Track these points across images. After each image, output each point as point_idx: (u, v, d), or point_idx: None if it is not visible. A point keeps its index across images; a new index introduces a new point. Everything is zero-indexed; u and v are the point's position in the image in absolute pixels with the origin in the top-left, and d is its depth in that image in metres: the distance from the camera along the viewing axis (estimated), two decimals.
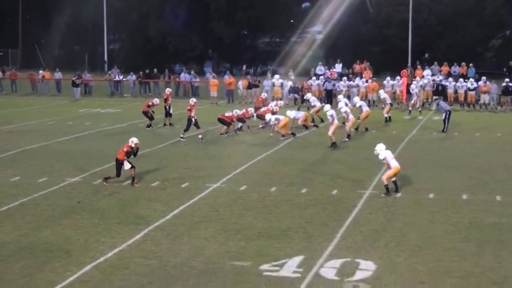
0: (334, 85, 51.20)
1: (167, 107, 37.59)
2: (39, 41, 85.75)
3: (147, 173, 25.30)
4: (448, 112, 36.25)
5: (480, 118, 43.29)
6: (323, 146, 31.30)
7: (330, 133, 30.96)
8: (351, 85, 50.59)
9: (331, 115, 31.54)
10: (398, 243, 17.15)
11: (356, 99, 37.71)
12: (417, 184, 23.74)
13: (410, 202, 21.35)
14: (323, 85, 51.14)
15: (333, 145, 30.70)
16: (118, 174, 23.45)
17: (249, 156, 28.73)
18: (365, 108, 36.17)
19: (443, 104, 37.85)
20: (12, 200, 21.21)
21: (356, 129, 35.40)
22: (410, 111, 44.02)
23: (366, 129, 36.02)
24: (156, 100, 37.61)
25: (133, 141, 23.74)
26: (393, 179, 22.36)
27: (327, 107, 32.89)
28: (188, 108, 33.25)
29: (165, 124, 37.55)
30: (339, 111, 34.72)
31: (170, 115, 37.68)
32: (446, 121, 36.06)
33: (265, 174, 25.30)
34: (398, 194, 22.16)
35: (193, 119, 32.71)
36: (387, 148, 22.64)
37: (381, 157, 22.41)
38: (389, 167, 22.30)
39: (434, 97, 46.64)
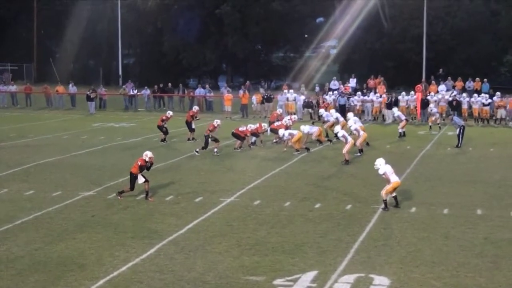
0: (348, 99, 51.21)
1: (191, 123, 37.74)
2: (54, 56, 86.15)
3: (161, 187, 25.35)
4: (462, 127, 36.18)
5: (494, 133, 43.14)
6: (337, 161, 31.27)
7: (344, 151, 30.87)
8: (365, 100, 50.59)
9: (343, 136, 31.37)
10: (413, 258, 17.11)
11: (351, 122, 35.36)
12: (432, 199, 23.67)
13: (425, 217, 21.29)
14: (337, 100, 51.15)
15: (346, 162, 30.59)
16: (132, 188, 23.51)
17: (263, 171, 28.74)
18: (361, 133, 34.72)
19: (456, 119, 37.77)
20: (26, 214, 21.28)
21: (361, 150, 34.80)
22: (430, 126, 43.56)
23: (367, 144, 35.75)
24: (169, 113, 37.75)
25: (147, 155, 23.80)
26: (393, 194, 22.33)
27: (351, 122, 32.54)
28: (210, 128, 33.63)
29: (188, 139, 37.45)
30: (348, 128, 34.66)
31: (193, 130, 37.72)
32: (460, 136, 35.98)
33: (279, 189, 25.31)
34: (413, 209, 22.11)
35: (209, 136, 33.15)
36: (387, 163, 22.68)
37: (380, 171, 22.41)
38: (388, 182, 22.26)
39: (449, 113, 46.44)
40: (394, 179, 22.25)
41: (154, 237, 18.83)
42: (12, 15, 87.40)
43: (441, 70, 60.40)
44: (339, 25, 74.98)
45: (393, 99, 49.35)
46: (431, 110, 44.46)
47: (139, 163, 23.62)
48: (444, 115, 48.81)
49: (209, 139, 33.23)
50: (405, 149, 35.33)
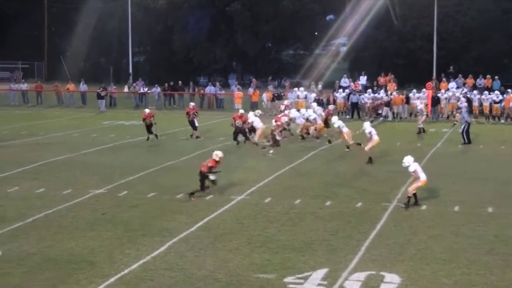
0: (359, 96, 51.22)
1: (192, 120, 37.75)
2: (65, 54, 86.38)
3: (171, 185, 25.35)
4: (467, 124, 36.10)
5: (505, 130, 43.02)
6: (348, 159, 31.24)
7: (367, 148, 30.59)
8: (376, 98, 50.51)
9: (370, 132, 30.88)
10: (423, 256, 17.07)
11: (335, 119, 35.20)
12: (442, 196, 23.62)
13: (435, 215, 21.24)
14: (348, 98, 51.11)
15: (370, 160, 30.27)
16: (202, 187, 23.24)
17: (273, 169, 28.71)
18: (375, 137, 34.10)
19: (465, 114, 37.66)
20: (37, 212, 21.31)
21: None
22: (454, 124, 42.40)
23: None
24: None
25: (218, 154, 23.48)
26: (414, 191, 22.27)
27: (366, 124, 32.13)
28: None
29: (191, 136, 37.52)
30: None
31: (196, 128, 37.75)
32: (464, 133, 35.90)
33: (290, 187, 25.28)
34: (423, 207, 22.06)
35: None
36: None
37: (411, 169, 22.27)
38: (417, 179, 22.17)
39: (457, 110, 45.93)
40: (424, 177, 22.14)
41: (165, 235, 18.82)
42: (23, 14, 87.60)
43: (451, 67, 60.30)
44: (349, 22, 74.91)
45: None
46: (461, 104, 43.23)
47: (210, 164, 23.28)
48: (454, 112, 48.68)
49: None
50: (416, 147, 35.25)
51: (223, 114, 49.07)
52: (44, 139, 37.80)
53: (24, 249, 17.64)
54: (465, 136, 35.98)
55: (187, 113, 37.91)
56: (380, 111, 49.39)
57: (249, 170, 28.88)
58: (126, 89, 62.45)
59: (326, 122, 38.42)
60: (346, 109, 50.76)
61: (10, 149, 34.20)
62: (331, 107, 42.25)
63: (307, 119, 37.28)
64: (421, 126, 40.07)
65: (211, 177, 23.25)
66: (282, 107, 41.71)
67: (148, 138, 36.29)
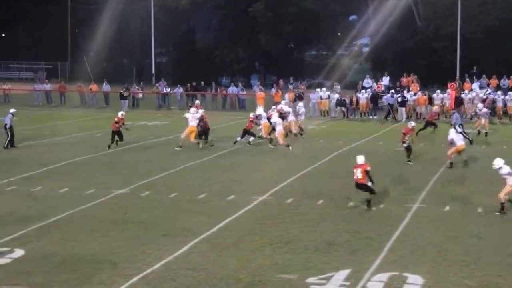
0: (381, 97, 51.10)
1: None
2: (88, 54, 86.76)
3: (193, 186, 25.38)
4: (459, 125, 35.95)
5: None
6: (370, 160, 31.12)
7: (448, 153, 29.89)
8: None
9: (452, 139, 30.09)
10: (446, 257, 17.00)
11: (275, 117, 35.92)
12: (465, 198, 23.48)
13: (458, 216, 21.14)
14: (380, 99, 50.95)
15: (451, 165, 29.48)
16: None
17: (295, 169, 28.66)
18: (460, 142, 33.59)
19: (456, 115, 37.34)
20: (60, 212, 21.39)
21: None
22: (478, 131, 41.76)
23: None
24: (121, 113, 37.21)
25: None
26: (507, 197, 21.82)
27: (452, 131, 31.44)
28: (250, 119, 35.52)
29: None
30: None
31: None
32: (463, 133, 35.68)
33: (311, 187, 25.23)
34: (447, 208, 21.96)
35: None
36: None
37: (504, 171, 21.81)
38: (507, 183, 21.74)
39: (452, 110, 44.24)
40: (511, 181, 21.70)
41: (187, 235, 18.84)
42: (47, 16, 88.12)
43: (474, 68, 59.97)
44: (372, 23, 74.75)
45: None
46: (480, 111, 41.32)
47: (368, 168, 22.30)
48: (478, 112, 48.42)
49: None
50: (439, 148, 35.04)
51: (245, 114, 48.95)
52: (67, 139, 37.94)
53: (47, 248, 17.73)
54: (466, 134, 35.84)
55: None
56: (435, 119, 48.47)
57: (271, 170, 28.87)
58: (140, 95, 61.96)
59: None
60: (368, 110, 50.55)
61: (33, 149, 34.37)
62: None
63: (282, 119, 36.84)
64: (485, 130, 39.43)
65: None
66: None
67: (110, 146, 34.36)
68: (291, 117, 38.57)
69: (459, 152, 29.38)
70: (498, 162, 22.11)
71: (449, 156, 29.36)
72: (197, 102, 43.02)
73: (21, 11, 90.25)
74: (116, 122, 34.74)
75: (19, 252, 17.33)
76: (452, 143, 29.69)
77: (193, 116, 34.37)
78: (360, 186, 22.05)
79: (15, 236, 18.80)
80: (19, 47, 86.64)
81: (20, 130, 38.19)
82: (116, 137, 34.37)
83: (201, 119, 34.70)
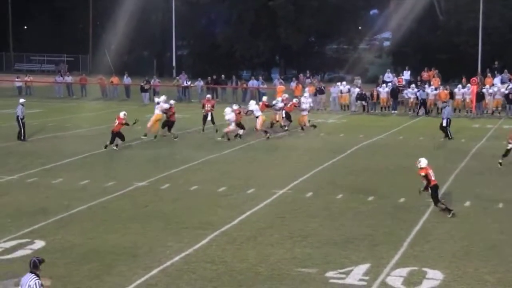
0: (402, 91, 50.96)
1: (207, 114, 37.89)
2: (109, 47, 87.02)
3: (212, 179, 25.43)
4: (448, 120, 35.75)
5: None
6: (390, 154, 31.10)
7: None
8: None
9: None
10: (466, 253, 16.94)
11: (251, 103, 37.64)
12: (486, 193, 23.40)
13: (478, 211, 21.08)
14: (400, 93, 50.80)
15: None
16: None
17: (315, 163, 28.65)
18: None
19: (448, 110, 37.12)
20: (80, 204, 21.48)
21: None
22: None
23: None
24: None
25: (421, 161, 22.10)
26: None
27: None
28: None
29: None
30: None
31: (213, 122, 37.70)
32: (448, 128, 35.54)
33: (331, 181, 25.21)
34: (467, 203, 21.89)
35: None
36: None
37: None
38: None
39: (443, 103, 43.11)
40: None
41: (207, 228, 18.87)
42: (69, 7, 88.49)
43: (496, 62, 59.64)
44: (393, 17, 74.51)
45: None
46: None
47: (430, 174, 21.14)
48: (499, 108, 48.24)
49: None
50: (460, 143, 34.95)
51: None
52: (88, 132, 38.11)
53: (68, 240, 17.82)
54: (449, 131, 35.70)
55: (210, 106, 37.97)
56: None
57: (291, 164, 28.84)
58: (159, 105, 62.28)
59: (289, 115, 39.13)
60: (389, 104, 50.41)
61: (55, 141, 34.56)
62: (295, 100, 41.15)
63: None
64: None
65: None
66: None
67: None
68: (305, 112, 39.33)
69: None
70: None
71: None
72: (208, 96, 42.94)
73: (43, 3, 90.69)
74: (120, 123, 32.42)
75: (39, 244, 17.42)
76: None
77: (160, 106, 34.61)
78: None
79: (35, 227, 18.90)
80: (41, 39, 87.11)
81: (42, 122, 38.41)
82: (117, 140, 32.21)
83: (169, 110, 35.22)
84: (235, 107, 35.90)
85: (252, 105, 37.34)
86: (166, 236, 18.21)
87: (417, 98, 49.05)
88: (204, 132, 37.22)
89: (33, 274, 11.00)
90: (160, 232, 18.61)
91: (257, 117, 36.27)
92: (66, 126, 40.03)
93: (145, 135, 34.32)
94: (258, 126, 36.05)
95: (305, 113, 39.54)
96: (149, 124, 34.79)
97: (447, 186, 24.14)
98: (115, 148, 31.66)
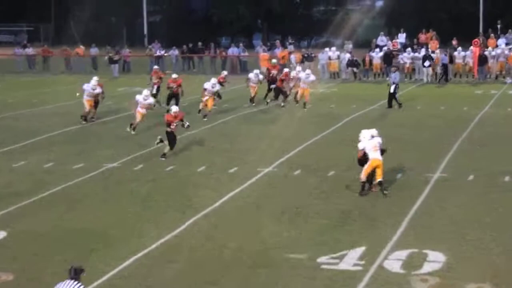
0: (397, 56, 50.91)
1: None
2: (74, 15, 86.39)
3: (191, 157, 25.39)
4: (396, 86, 35.85)
5: None
6: (385, 124, 31.14)
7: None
8: (416, 57, 50.12)
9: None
10: (471, 231, 16.96)
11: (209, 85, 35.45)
12: (491, 166, 23.44)
13: (484, 186, 21.12)
14: (395, 58, 50.76)
15: None
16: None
17: (303, 137, 28.61)
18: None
19: (395, 75, 37.24)
20: (45, 188, 21.36)
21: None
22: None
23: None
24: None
25: None
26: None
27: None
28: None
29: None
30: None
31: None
32: (394, 95, 35.66)
33: (322, 157, 25.21)
34: (471, 177, 21.93)
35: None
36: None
37: (360, 146, 20.75)
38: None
39: (393, 67, 42.77)
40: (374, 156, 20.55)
41: (186, 212, 18.84)
42: None
43: (499, 22, 59.63)
44: None
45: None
46: None
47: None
48: (504, 72, 48.32)
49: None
50: (462, 111, 35.04)
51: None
52: (54, 109, 37.92)
53: (32, 229, 17.72)
54: (396, 99, 35.88)
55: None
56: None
57: (277, 139, 28.75)
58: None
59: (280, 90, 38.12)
60: (383, 71, 50.38)
61: (16, 120, 34.35)
62: (286, 70, 40.61)
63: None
64: None
65: None
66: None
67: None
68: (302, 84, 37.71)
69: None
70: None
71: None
72: (156, 67, 42.35)
73: None
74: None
75: (0, 234, 17.33)
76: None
77: (90, 92, 33.73)
78: None
79: None
80: None
81: (1, 99, 38.19)
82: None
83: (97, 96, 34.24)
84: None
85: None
86: (142, 222, 18.16)
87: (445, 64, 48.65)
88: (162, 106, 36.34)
89: (74, 281, 11.07)
90: (135, 217, 18.55)
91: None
92: (28, 103, 39.72)
93: (132, 128, 32.89)
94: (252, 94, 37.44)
95: (305, 86, 37.10)
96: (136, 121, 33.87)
97: (448, 158, 24.19)
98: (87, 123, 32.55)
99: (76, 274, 11.11)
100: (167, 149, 25.30)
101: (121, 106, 37.44)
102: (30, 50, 63.22)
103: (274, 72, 39.17)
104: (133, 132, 29.76)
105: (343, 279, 14.36)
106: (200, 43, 60.08)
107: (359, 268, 14.87)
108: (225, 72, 39.48)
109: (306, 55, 53.36)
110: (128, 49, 62.14)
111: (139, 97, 30.56)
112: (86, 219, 18.50)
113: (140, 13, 79.18)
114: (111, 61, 56.23)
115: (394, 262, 15.10)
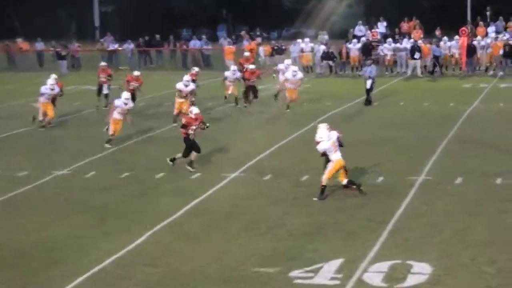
0: (376, 48, 51.15)
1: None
2: (16, 6, 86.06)
3: (149, 162, 25.35)
4: (373, 80, 36.10)
5: None
6: (364, 122, 31.23)
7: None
8: (397, 48, 50.37)
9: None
10: (460, 240, 17.06)
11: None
12: (482, 167, 23.60)
13: (473, 189, 21.25)
14: (375, 49, 50.98)
15: None
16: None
17: (274, 138, 28.66)
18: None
19: (370, 69, 37.50)
20: None
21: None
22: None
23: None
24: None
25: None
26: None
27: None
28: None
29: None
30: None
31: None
32: (371, 91, 35.98)
33: (295, 160, 25.26)
34: (459, 180, 22.05)
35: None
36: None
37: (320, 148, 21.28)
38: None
39: (368, 60, 42.71)
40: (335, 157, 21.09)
41: (143, 223, 18.78)
42: None
43: (488, 8, 60.02)
44: None
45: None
46: None
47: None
48: (494, 64, 48.65)
49: None
50: (448, 107, 35.26)
51: (211, 73, 48.86)
52: None
53: None
54: (370, 95, 36.53)
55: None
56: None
57: (245, 140, 28.84)
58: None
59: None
60: (360, 64, 50.56)
61: None
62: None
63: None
64: None
65: None
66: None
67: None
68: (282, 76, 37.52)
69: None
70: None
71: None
72: (103, 64, 41.20)
73: None
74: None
75: None
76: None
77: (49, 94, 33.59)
78: None
79: None
80: None
81: None
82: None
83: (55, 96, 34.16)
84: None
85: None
86: (94, 235, 18.10)
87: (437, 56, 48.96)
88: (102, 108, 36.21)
89: None
90: (87, 230, 18.48)
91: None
92: None
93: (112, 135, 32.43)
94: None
95: (293, 86, 36.11)
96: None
97: (433, 159, 24.32)
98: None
99: None
100: (178, 155, 24.76)
101: (70, 106, 37.27)
102: None
103: (249, 66, 38.86)
104: (109, 146, 28.85)
105: None
106: (158, 36, 60.05)
107: (336, 282, 14.88)
108: (196, 69, 39.27)
109: (276, 48, 53.44)
110: (77, 43, 61.99)
111: (118, 102, 29.00)
112: (30, 233, 18.34)
113: (90, 2, 78.96)
114: (59, 56, 56.06)
115: (374, 275, 15.13)
